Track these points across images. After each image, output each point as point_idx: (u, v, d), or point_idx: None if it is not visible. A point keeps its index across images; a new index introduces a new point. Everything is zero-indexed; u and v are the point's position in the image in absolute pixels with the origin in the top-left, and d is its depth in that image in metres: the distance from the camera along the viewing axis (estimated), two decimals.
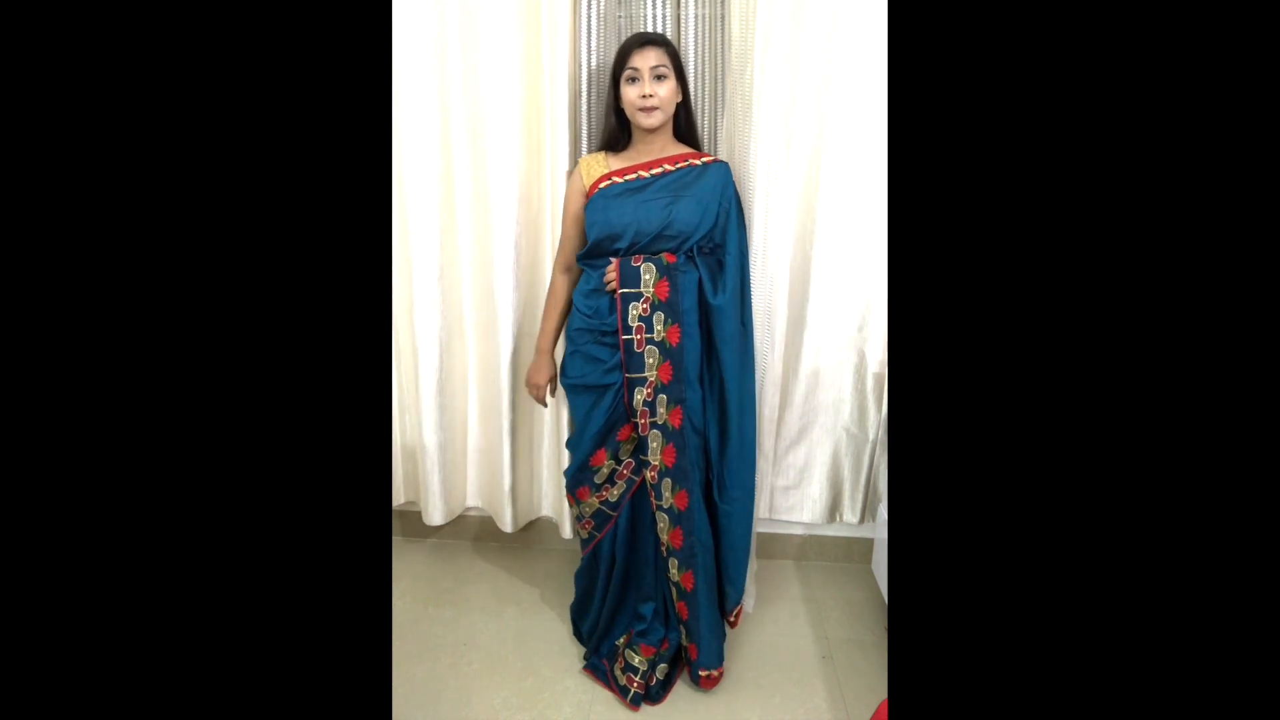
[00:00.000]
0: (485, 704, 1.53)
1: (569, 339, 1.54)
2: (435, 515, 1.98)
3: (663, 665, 1.57)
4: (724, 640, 1.59)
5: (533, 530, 2.10)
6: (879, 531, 1.86)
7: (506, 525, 1.97)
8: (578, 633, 1.71)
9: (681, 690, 1.58)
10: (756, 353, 1.77)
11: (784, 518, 1.99)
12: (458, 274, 1.84)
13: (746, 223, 1.65)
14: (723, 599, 1.60)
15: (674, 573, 1.52)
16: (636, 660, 1.55)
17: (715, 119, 1.64)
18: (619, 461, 1.52)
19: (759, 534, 2.02)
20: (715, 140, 1.65)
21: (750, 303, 1.53)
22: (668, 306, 1.41)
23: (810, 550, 2.06)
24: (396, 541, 2.14)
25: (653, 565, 1.58)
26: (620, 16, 1.63)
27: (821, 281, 1.79)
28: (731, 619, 1.66)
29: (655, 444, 1.46)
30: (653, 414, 1.45)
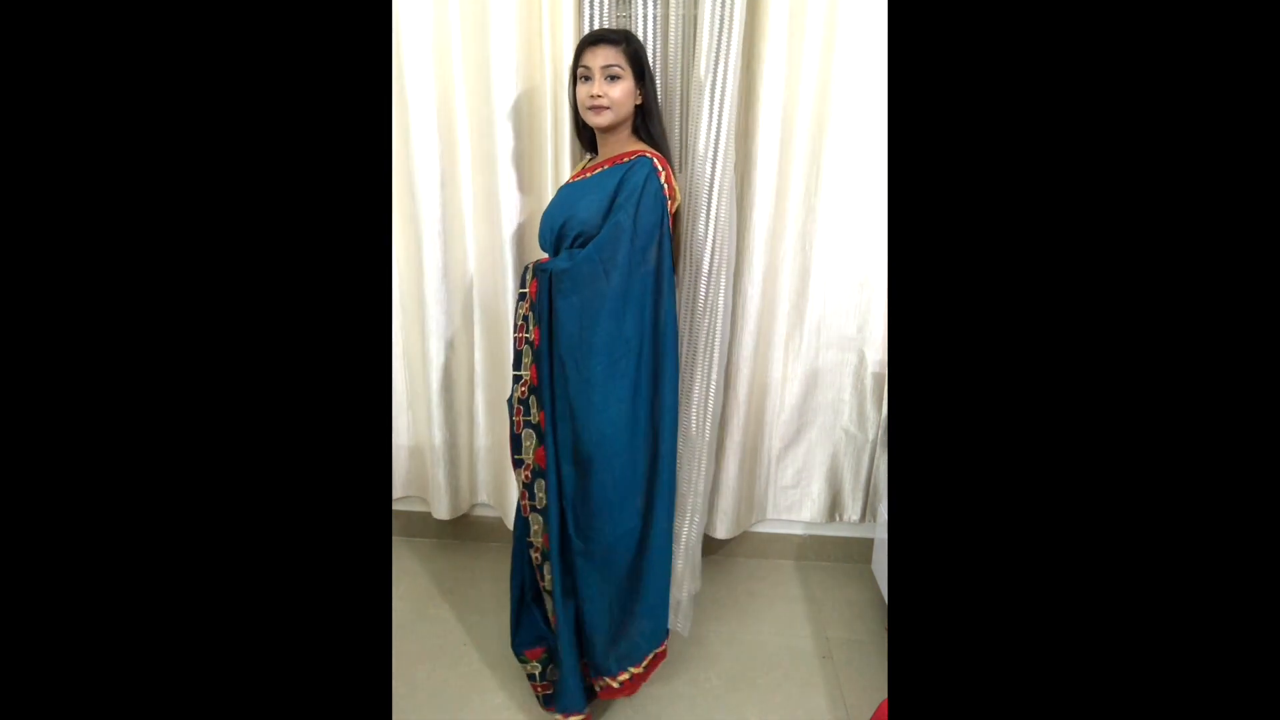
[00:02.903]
0: (484, 704, 1.54)
1: None
2: (441, 511, 1.99)
3: (552, 667, 1.50)
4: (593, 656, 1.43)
5: None
6: (879, 531, 1.86)
7: (512, 523, 1.98)
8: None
9: (678, 688, 1.58)
10: (749, 351, 1.76)
11: (784, 517, 2.00)
12: (463, 272, 1.84)
13: (745, 222, 1.66)
14: (582, 653, 1.44)
15: (547, 580, 1.42)
16: (529, 666, 1.52)
17: (715, 118, 1.63)
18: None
19: (759, 534, 2.03)
20: (715, 140, 1.64)
21: (655, 316, 1.36)
22: (536, 308, 1.34)
23: (810, 550, 2.06)
24: (398, 541, 2.14)
25: (520, 558, 1.50)
26: (621, 16, 1.63)
27: (821, 281, 1.79)
28: (599, 686, 1.47)
29: (529, 443, 1.38)
30: (526, 412, 1.38)
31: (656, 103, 1.44)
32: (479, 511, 2.10)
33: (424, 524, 2.11)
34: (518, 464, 1.41)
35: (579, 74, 1.35)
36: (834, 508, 1.97)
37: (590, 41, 1.34)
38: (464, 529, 2.13)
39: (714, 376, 1.58)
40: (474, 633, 1.75)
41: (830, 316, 1.81)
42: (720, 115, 1.49)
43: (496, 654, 1.68)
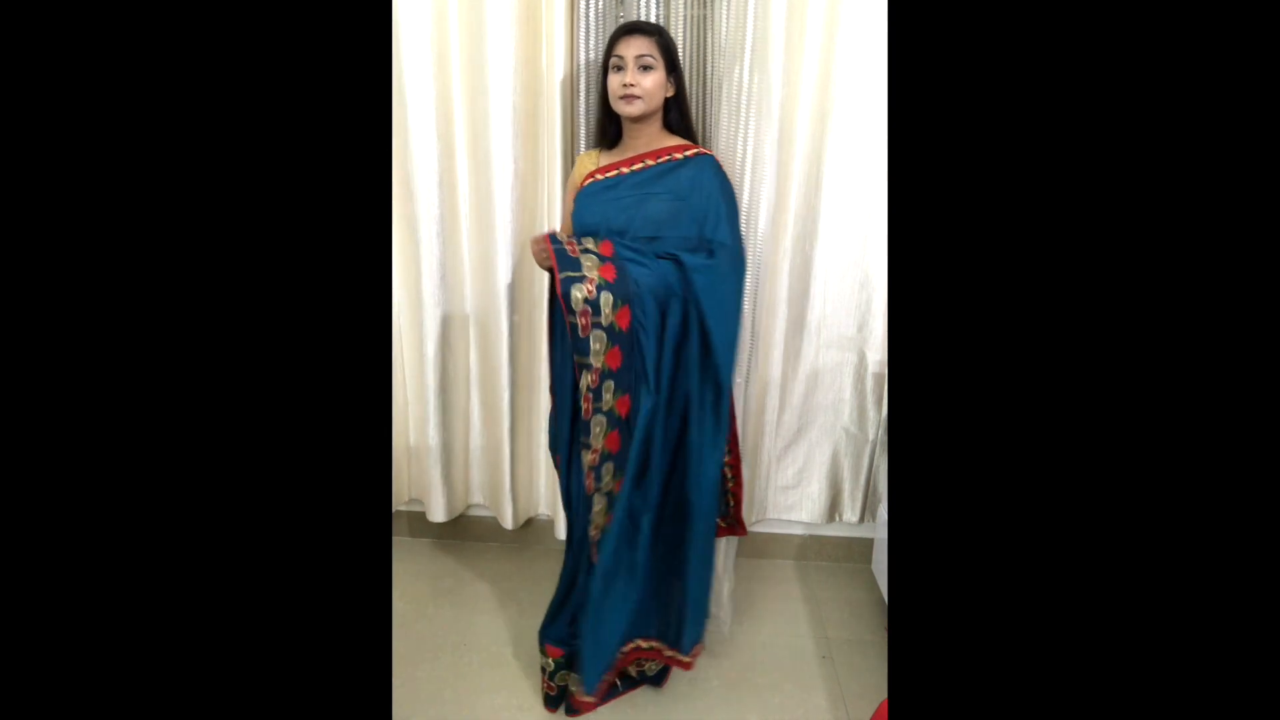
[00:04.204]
0: (485, 704, 1.53)
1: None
2: (438, 513, 1.99)
3: (564, 672, 1.51)
4: (602, 656, 1.42)
5: (533, 530, 2.10)
6: (879, 531, 1.86)
7: (508, 522, 1.98)
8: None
9: (679, 688, 1.58)
10: (757, 354, 1.77)
11: (784, 517, 1.99)
12: (460, 274, 1.84)
13: (747, 223, 1.66)
14: (679, 636, 1.48)
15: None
16: (544, 660, 1.51)
17: (714, 118, 1.63)
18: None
19: (759, 534, 2.03)
20: (714, 139, 1.64)
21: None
22: (616, 287, 1.30)
23: (810, 550, 2.06)
24: (397, 541, 2.14)
25: (577, 551, 1.50)
26: (620, 16, 1.63)
27: (821, 281, 1.79)
28: (688, 659, 1.50)
29: (598, 429, 1.37)
30: (597, 399, 1.35)
31: (686, 95, 1.45)
32: (475, 512, 2.10)
33: (424, 524, 2.10)
34: (585, 447, 1.39)
35: (611, 64, 1.35)
36: (834, 508, 1.97)
37: (625, 31, 1.34)
38: (464, 529, 2.13)
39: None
40: (474, 633, 1.75)
41: (830, 316, 1.81)
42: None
43: (496, 654, 1.68)
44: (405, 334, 1.92)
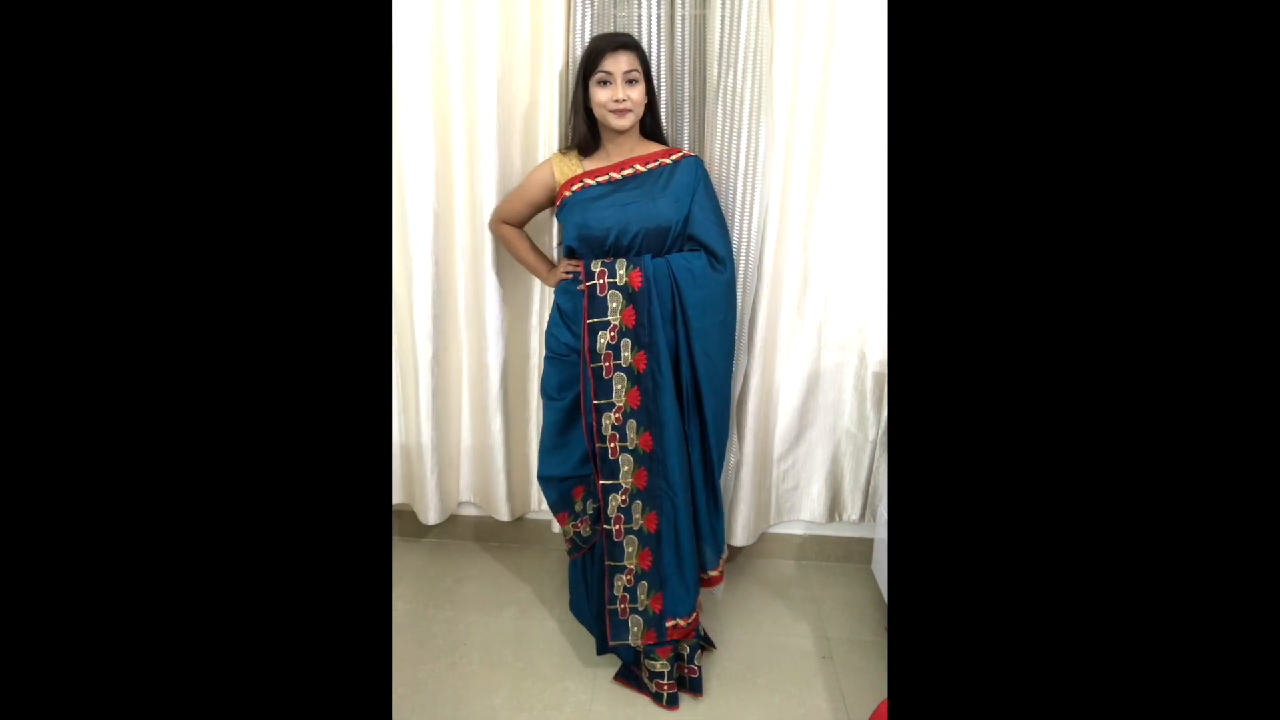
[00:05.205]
0: (484, 704, 1.53)
1: (547, 345, 1.55)
2: (430, 515, 1.97)
3: (679, 664, 1.56)
4: (696, 589, 1.54)
5: (531, 529, 2.10)
6: (879, 531, 1.86)
7: (503, 514, 1.99)
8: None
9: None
10: (758, 355, 1.77)
11: (784, 517, 1.99)
12: (453, 274, 1.84)
13: (748, 223, 1.66)
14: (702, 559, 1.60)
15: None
16: (658, 665, 1.53)
17: (712, 119, 1.63)
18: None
19: (762, 533, 2.03)
20: (710, 140, 1.64)
21: (735, 295, 1.57)
22: (634, 334, 1.43)
23: (810, 550, 2.06)
24: (395, 541, 2.14)
25: (596, 572, 1.57)
26: (619, 16, 1.62)
27: (821, 282, 1.79)
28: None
29: (626, 468, 1.47)
30: (623, 439, 1.46)
31: (658, 102, 1.51)
32: (469, 511, 2.10)
33: (421, 523, 2.10)
34: (614, 489, 1.47)
35: (597, 79, 1.39)
36: (834, 508, 1.97)
37: (611, 47, 1.38)
38: (462, 529, 2.13)
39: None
40: (473, 632, 1.75)
41: (831, 317, 1.81)
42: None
43: (496, 654, 1.68)
44: (399, 335, 1.91)
